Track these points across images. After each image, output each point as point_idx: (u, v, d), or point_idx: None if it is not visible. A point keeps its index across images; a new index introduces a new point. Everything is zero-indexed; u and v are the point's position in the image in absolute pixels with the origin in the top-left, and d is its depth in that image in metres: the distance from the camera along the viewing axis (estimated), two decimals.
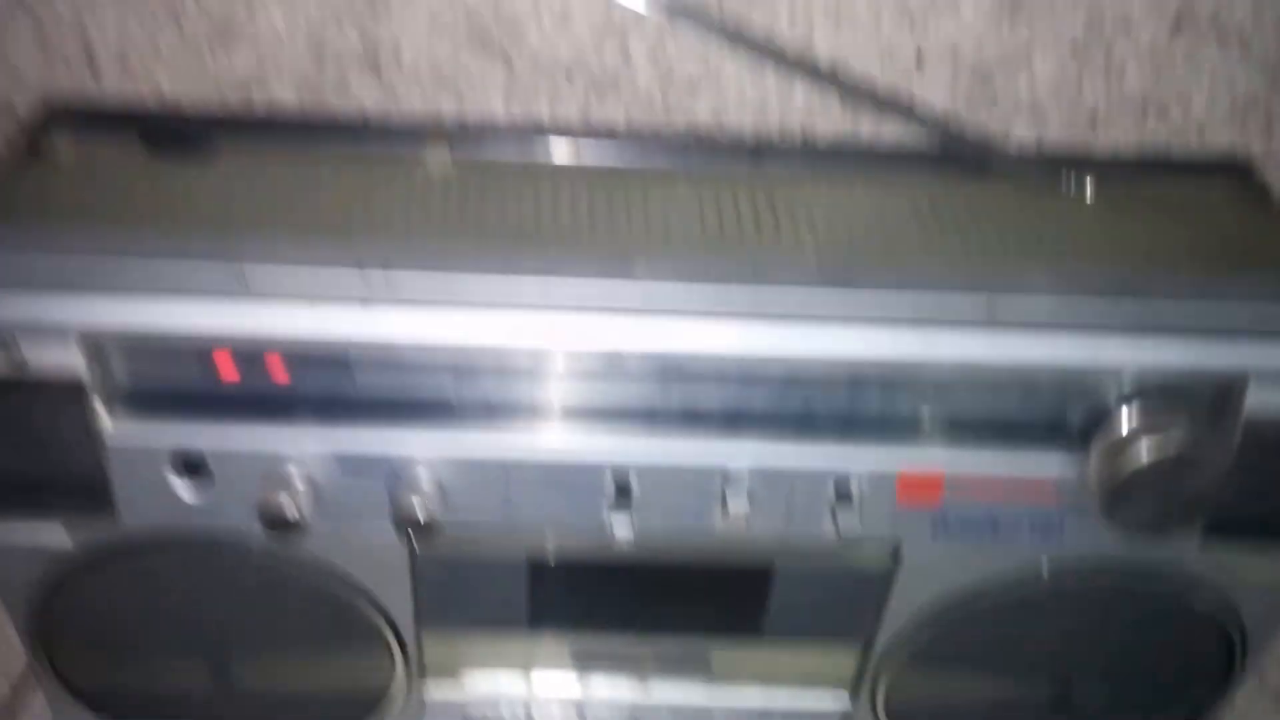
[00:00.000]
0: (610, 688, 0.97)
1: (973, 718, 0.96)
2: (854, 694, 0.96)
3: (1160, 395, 0.76)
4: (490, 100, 0.97)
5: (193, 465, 0.78)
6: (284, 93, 0.97)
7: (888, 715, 0.96)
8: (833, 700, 0.97)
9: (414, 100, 0.97)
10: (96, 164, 0.83)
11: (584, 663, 0.95)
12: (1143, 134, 0.98)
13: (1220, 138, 0.98)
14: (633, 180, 0.86)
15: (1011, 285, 0.76)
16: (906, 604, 0.88)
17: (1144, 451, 0.74)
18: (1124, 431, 0.76)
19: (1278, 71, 0.95)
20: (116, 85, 0.96)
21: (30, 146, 0.85)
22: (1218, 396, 0.77)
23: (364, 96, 0.96)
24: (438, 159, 0.87)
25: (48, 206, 0.79)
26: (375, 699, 0.95)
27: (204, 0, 0.92)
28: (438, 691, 0.96)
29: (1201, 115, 0.97)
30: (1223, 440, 0.76)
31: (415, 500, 0.77)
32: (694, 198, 0.84)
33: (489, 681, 0.96)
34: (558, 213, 0.82)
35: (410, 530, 0.78)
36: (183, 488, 0.79)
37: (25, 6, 0.93)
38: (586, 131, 0.96)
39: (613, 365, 0.77)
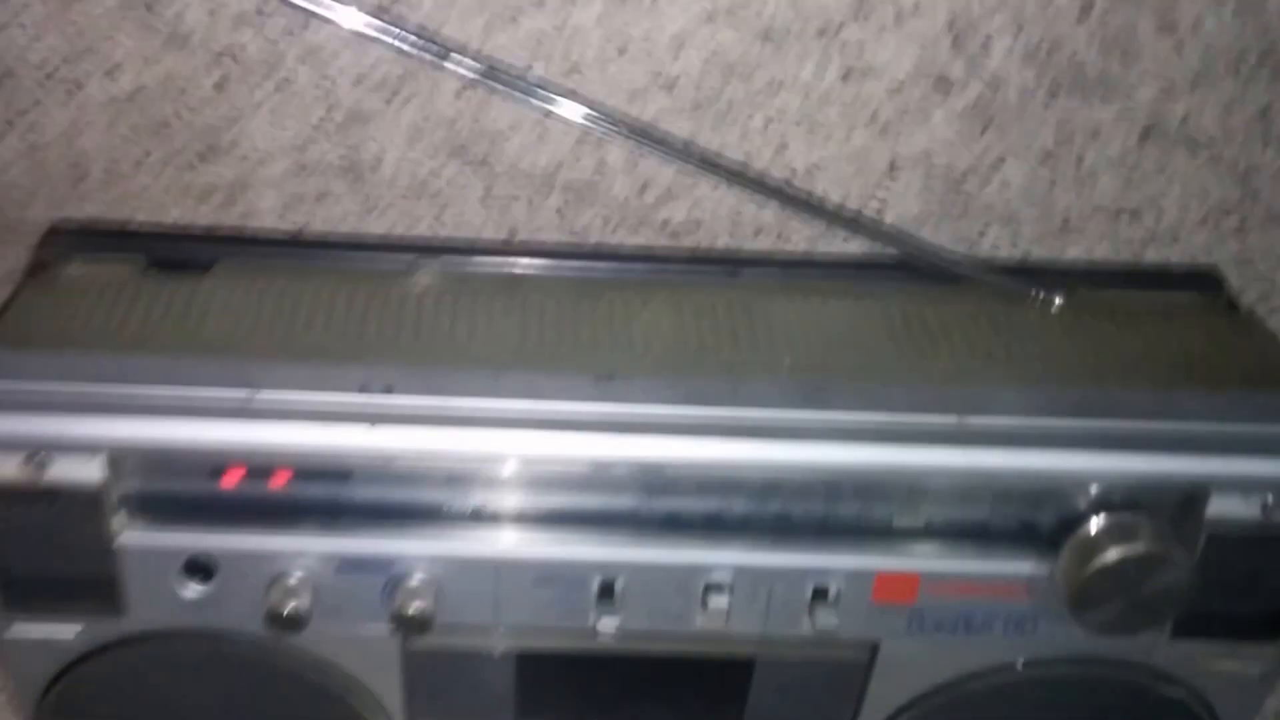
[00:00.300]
0: None
1: None
2: None
3: (1126, 503, 0.88)
4: (468, 208, 1.09)
5: (201, 568, 0.90)
6: (264, 201, 1.09)
7: None
8: None
9: (393, 208, 1.09)
10: (105, 284, 0.96)
11: None
12: (1116, 239, 1.11)
13: (1194, 242, 1.11)
14: (613, 292, 1.00)
15: (980, 404, 0.89)
16: (883, 699, 0.99)
17: (1110, 555, 0.86)
18: (1091, 536, 0.88)
19: (1247, 177, 1.08)
20: (102, 197, 1.09)
21: (37, 267, 0.99)
22: (1181, 505, 0.89)
23: (344, 204, 1.09)
24: (427, 272, 1.01)
25: (66, 329, 0.92)
26: None
27: (191, 115, 1.05)
28: None
29: (1174, 221, 1.10)
30: (1186, 545, 0.88)
31: (410, 600, 0.89)
32: (673, 311, 0.97)
33: None
34: (543, 328, 0.95)
35: (404, 628, 0.90)
36: (191, 589, 0.91)
37: (19, 125, 1.06)
38: (564, 239, 1.09)
39: (598, 477, 0.89)
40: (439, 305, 0.97)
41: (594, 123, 1.02)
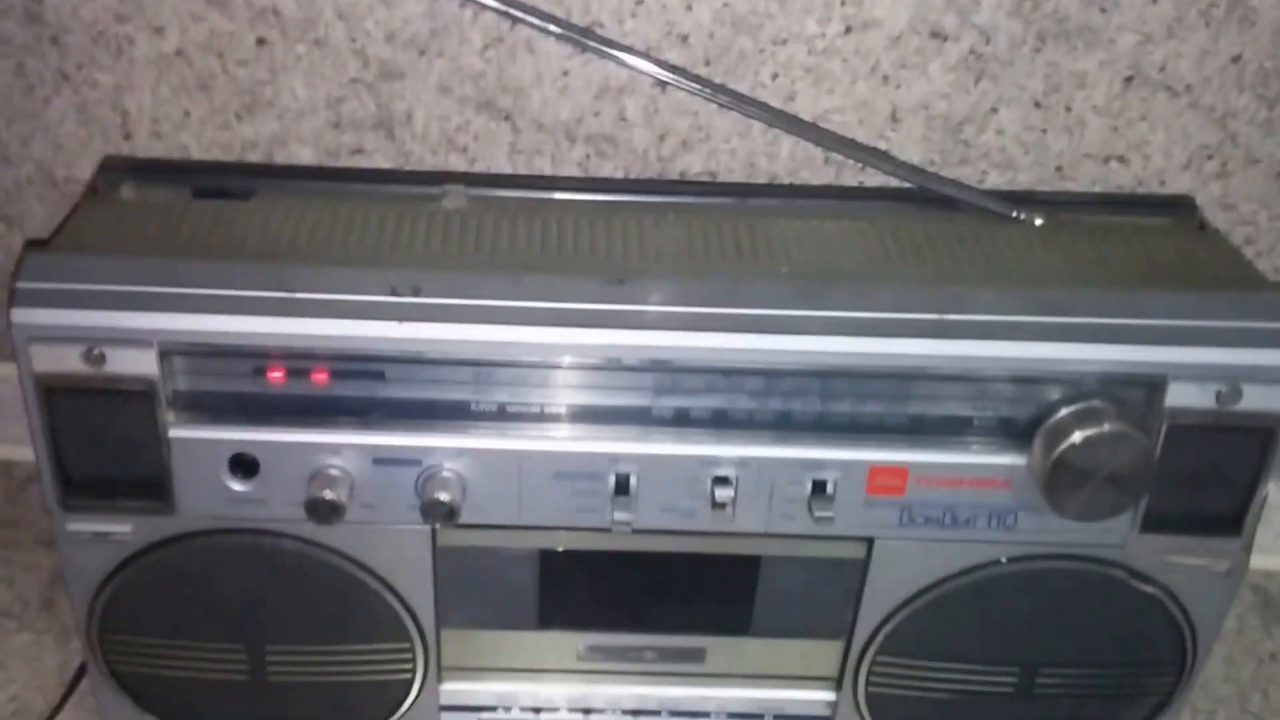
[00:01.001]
0: (613, 687, 1.15)
1: (948, 706, 1.12)
2: (838, 687, 1.13)
3: (1094, 393, 0.96)
4: (496, 159, 1.18)
5: (246, 465, 0.97)
6: (302, 155, 1.18)
7: (869, 706, 1.13)
8: (820, 695, 1.15)
9: (425, 159, 1.18)
10: (155, 205, 1.04)
11: (589, 661, 1.13)
12: (1107, 184, 1.18)
13: (1179, 184, 1.19)
14: (628, 213, 1.07)
15: (961, 304, 0.96)
16: (880, 597, 1.06)
17: (1076, 437, 0.93)
18: (1060, 421, 0.95)
19: (1225, 121, 1.15)
20: (148, 149, 1.18)
21: (92, 191, 1.07)
22: (1144, 395, 0.96)
23: (378, 158, 1.18)
24: (454, 194, 1.08)
25: (120, 239, 0.99)
26: (397, 697, 1.12)
27: (232, 72, 1.14)
28: (453, 692, 1.14)
29: (1160, 163, 1.18)
30: (1148, 429, 0.95)
31: (439, 490, 0.97)
32: (683, 228, 1.05)
33: (501, 682, 1.15)
34: (562, 241, 1.03)
35: (433, 516, 0.97)
36: (235, 483, 0.98)
37: (71, 82, 1.15)
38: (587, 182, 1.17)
39: (613, 376, 0.97)
40: (465, 222, 1.05)
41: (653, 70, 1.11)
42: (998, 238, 1.06)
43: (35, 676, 1.26)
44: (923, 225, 1.08)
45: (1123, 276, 1.03)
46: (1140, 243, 1.07)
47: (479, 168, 1.19)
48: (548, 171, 1.19)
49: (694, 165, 1.19)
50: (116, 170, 1.10)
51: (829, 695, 1.15)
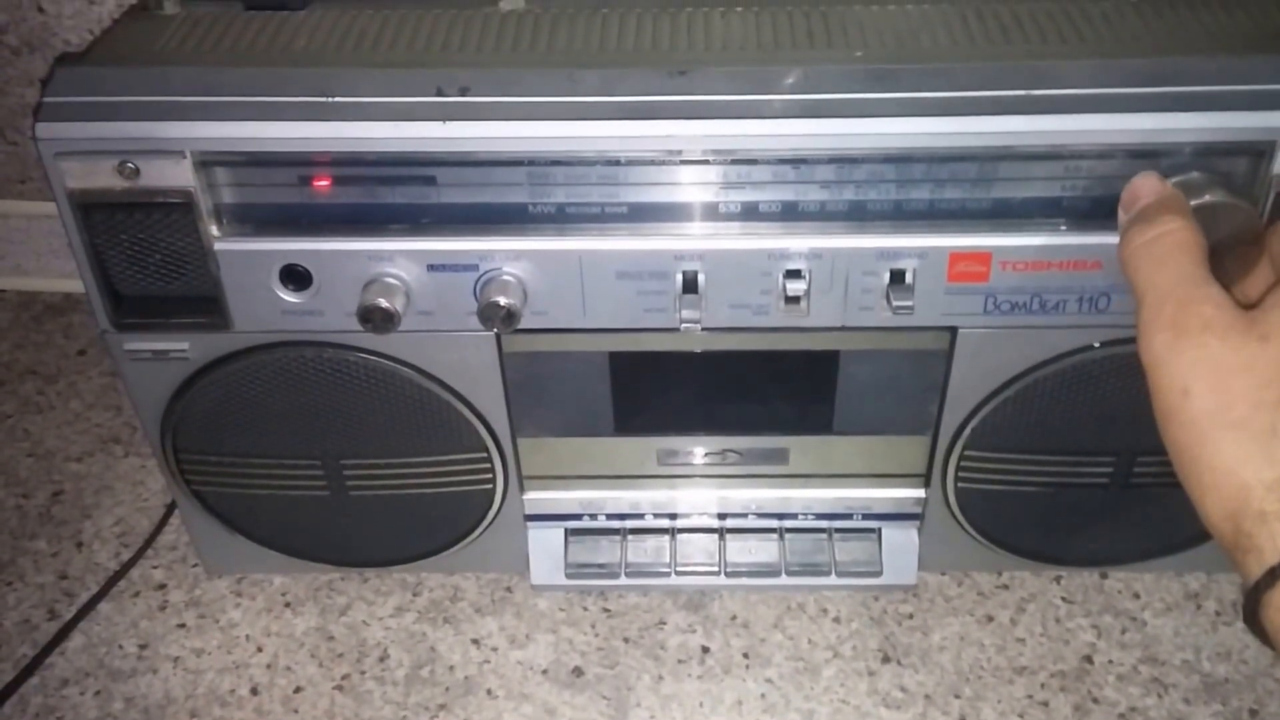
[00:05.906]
0: (698, 491, 1.05)
1: (1043, 499, 1.01)
2: (927, 484, 1.02)
3: (1193, 165, 0.81)
4: None
5: (297, 274, 0.87)
6: None
7: (959, 503, 1.02)
8: (908, 492, 1.04)
9: None
10: (199, 18, 0.91)
11: (671, 466, 1.03)
12: None
13: None
14: (694, 8, 0.92)
15: (1049, 78, 0.82)
16: (967, 389, 0.94)
17: None
18: None
19: None
20: None
21: (141, 6, 0.93)
22: (1249, 164, 0.82)
23: None
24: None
25: (160, 49, 0.87)
26: (480, 508, 1.03)
27: None
28: (536, 501, 1.05)
29: None
30: (1254, 199, 0.81)
31: (497, 293, 0.86)
32: (751, 18, 0.90)
33: (584, 490, 1.05)
34: (623, 38, 0.88)
35: (492, 320, 0.86)
36: (289, 295, 0.88)
37: None
38: None
39: (674, 168, 0.84)
40: (521, 23, 0.91)
41: None
42: (1087, 12, 0.90)
43: (139, 500, 1.24)
44: (1009, 5, 0.92)
45: (1226, 45, 0.87)
46: (1241, 11, 0.91)
47: None
48: None
49: None
50: None
51: (918, 492, 1.04)
